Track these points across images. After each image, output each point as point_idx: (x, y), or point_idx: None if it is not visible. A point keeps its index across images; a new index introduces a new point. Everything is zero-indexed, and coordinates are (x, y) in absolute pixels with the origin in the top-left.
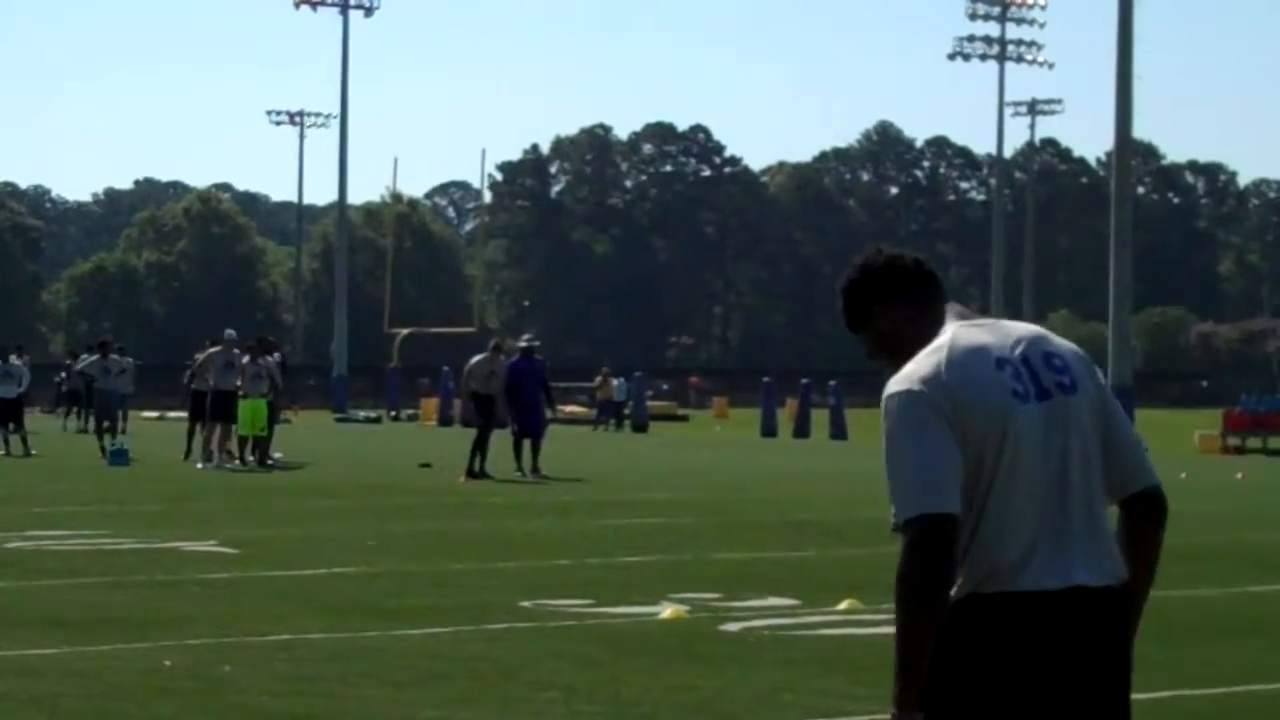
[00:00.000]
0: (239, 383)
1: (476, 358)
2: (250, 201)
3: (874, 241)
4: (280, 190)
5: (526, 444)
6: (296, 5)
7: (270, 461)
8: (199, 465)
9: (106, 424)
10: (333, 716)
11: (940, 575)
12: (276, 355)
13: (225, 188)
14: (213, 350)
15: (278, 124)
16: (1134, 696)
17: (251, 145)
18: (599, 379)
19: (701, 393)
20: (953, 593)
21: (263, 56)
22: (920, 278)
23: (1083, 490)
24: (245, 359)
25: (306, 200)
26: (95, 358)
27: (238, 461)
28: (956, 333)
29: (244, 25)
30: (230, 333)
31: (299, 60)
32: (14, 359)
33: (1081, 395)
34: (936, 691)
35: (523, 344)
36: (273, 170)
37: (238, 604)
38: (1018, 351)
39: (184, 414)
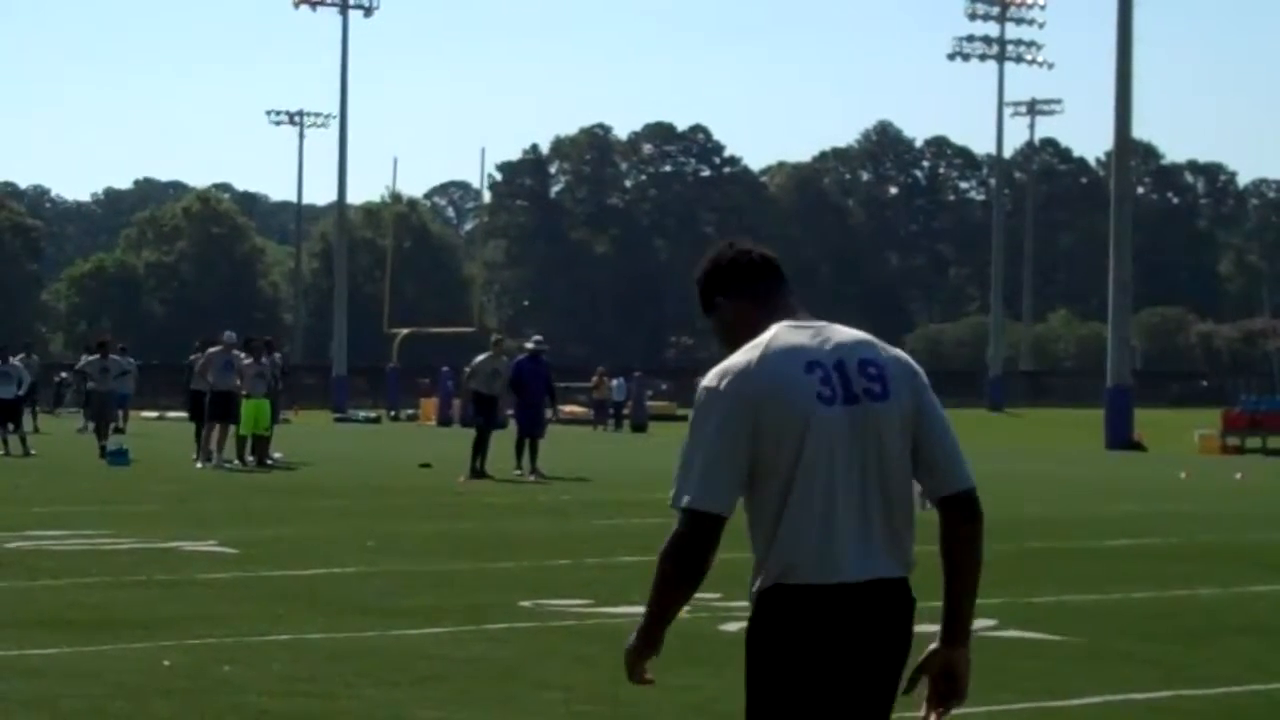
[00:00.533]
0: (239, 382)
1: (479, 357)
2: (250, 201)
3: (871, 242)
4: (280, 190)
5: (526, 443)
6: (296, 5)
7: (270, 461)
8: (198, 465)
9: (112, 425)
10: (332, 716)
11: (695, 565)
12: (276, 355)
13: (225, 188)
14: (212, 350)
15: (277, 124)
16: (1133, 696)
17: (251, 145)
18: (595, 379)
19: None
20: (757, 584)
21: (262, 56)
22: (762, 274)
23: (882, 489)
24: (248, 359)
25: (306, 200)
26: (94, 358)
27: (237, 461)
28: (777, 333)
29: (243, 25)
30: (229, 334)
31: (298, 60)
32: (14, 360)
33: (892, 402)
34: (749, 678)
35: (530, 345)
36: (272, 170)
37: (237, 604)
38: (833, 357)
39: (184, 414)
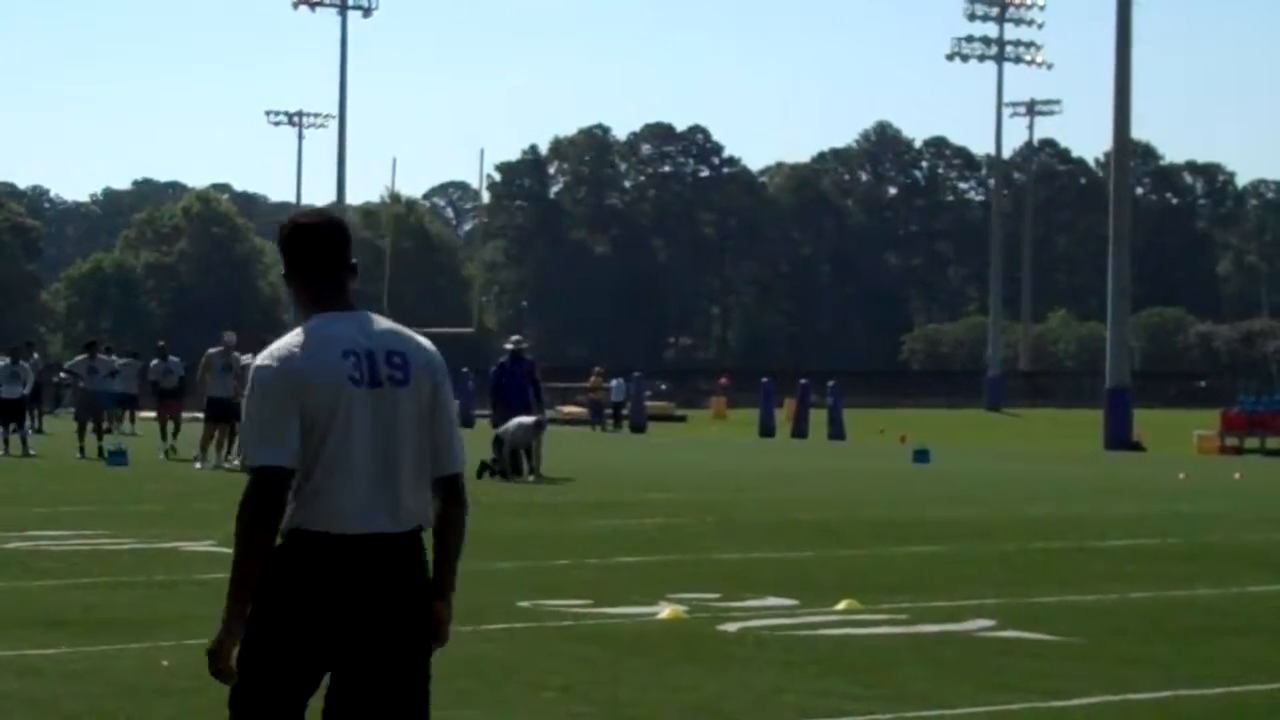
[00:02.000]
0: (235, 384)
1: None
2: (249, 202)
3: (871, 242)
4: (279, 190)
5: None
6: (295, 6)
7: None
8: (197, 465)
9: (105, 425)
10: None
11: (269, 510)
12: None
13: (224, 188)
14: (212, 352)
15: (276, 124)
16: (1133, 696)
17: (250, 146)
18: (591, 379)
19: (729, 393)
20: (283, 524)
21: (261, 57)
22: (318, 263)
23: (397, 458)
24: (249, 359)
25: (305, 200)
26: (83, 357)
27: (236, 462)
28: (322, 319)
29: (242, 26)
30: (229, 335)
31: (297, 61)
32: (22, 361)
33: (410, 388)
34: (257, 601)
35: (509, 346)
36: (271, 170)
37: None
38: (366, 347)
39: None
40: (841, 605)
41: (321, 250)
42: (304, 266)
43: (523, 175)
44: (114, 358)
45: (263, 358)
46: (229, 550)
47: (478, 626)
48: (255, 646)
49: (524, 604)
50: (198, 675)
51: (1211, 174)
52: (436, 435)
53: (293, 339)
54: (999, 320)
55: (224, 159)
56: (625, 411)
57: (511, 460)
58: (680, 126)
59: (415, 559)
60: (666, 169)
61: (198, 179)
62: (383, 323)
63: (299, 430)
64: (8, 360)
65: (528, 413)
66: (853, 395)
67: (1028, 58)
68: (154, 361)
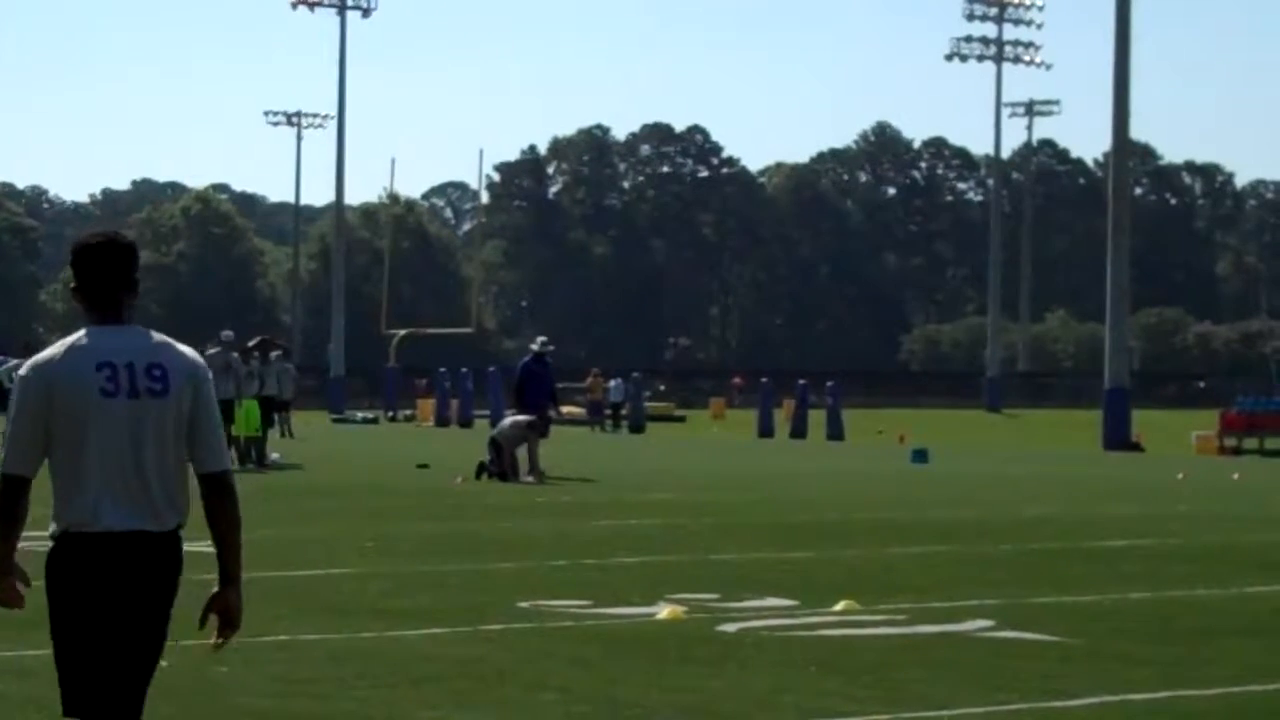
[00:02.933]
0: (233, 386)
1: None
2: (248, 202)
3: (869, 242)
4: (278, 191)
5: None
6: (294, 6)
7: (267, 462)
8: None
9: None
10: (329, 717)
11: (10, 514)
12: (275, 355)
13: (223, 188)
14: (211, 352)
15: (275, 124)
16: (1132, 697)
17: (249, 146)
18: (589, 379)
19: (743, 393)
20: (51, 529)
21: (260, 57)
22: (95, 278)
23: (154, 464)
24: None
25: (304, 201)
26: None
27: (236, 463)
28: (85, 333)
29: (241, 26)
30: (228, 334)
31: (296, 61)
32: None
33: (169, 399)
34: (49, 603)
35: (535, 346)
36: (270, 171)
37: None
38: (125, 359)
39: None
40: (840, 606)
41: (100, 269)
42: (83, 283)
43: (522, 175)
44: None
45: (24, 367)
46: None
47: (477, 627)
48: (60, 638)
49: (523, 605)
50: (195, 676)
51: (1210, 174)
52: (199, 439)
53: (54, 350)
54: (998, 321)
55: (223, 159)
56: (624, 412)
57: (511, 460)
58: (679, 127)
59: (174, 556)
60: (665, 169)
61: (197, 179)
62: (152, 337)
63: (43, 440)
64: (12, 362)
65: (545, 413)
66: (851, 396)
67: (1026, 58)
68: None
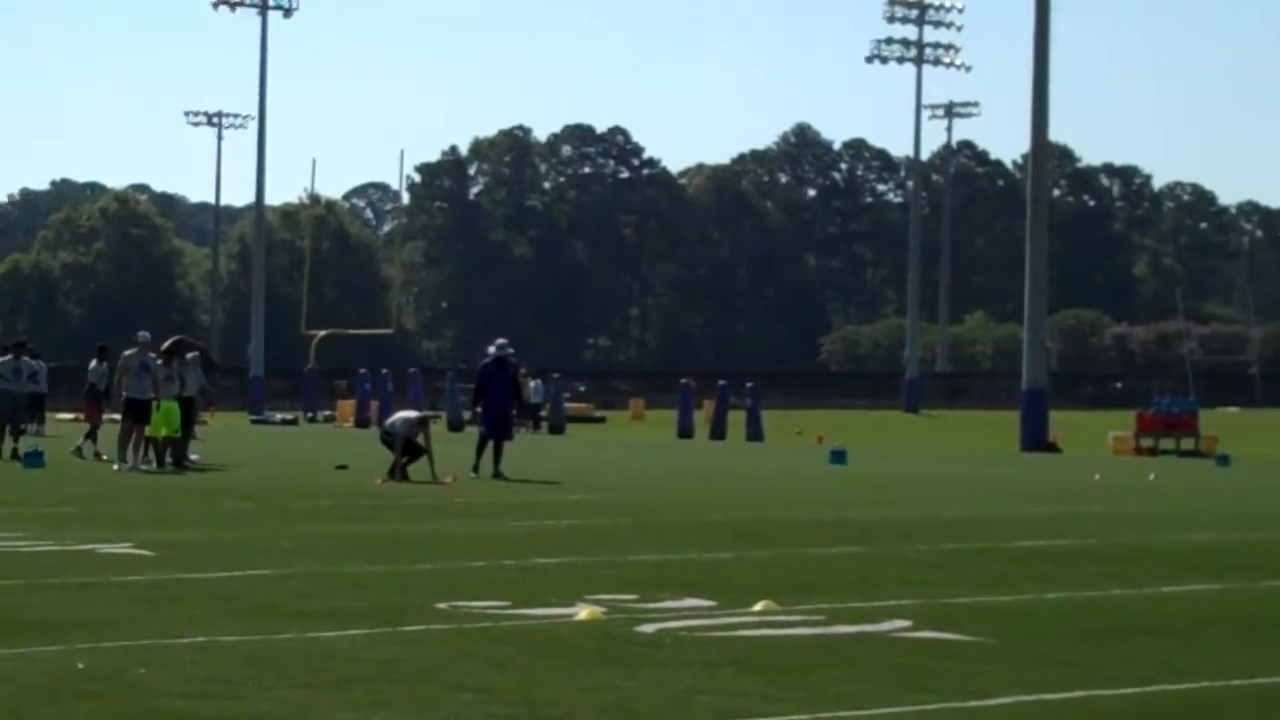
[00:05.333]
0: (148, 384)
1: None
2: (168, 202)
3: (790, 243)
4: (198, 191)
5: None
6: (215, 5)
7: (186, 464)
8: (115, 467)
9: (24, 426)
10: (247, 719)
11: None
12: (191, 356)
13: (142, 189)
14: (128, 353)
15: (196, 125)
16: (1047, 696)
17: (169, 146)
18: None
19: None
20: None
21: (181, 57)
22: None
23: None
24: (158, 362)
25: (224, 201)
26: (7, 358)
27: (155, 464)
28: None
29: (162, 25)
30: (144, 334)
31: (217, 61)
32: None
33: None
34: None
35: (494, 349)
36: (190, 171)
37: (153, 606)
38: None
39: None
40: (759, 606)
41: None
42: None
43: (442, 176)
44: (35, 361)
45: None
46: (146, 552)
47: (395, 628)
48: None
49: (441, 606)
50: (112, 678)
51: (1128, 176)
52: None
53: None
54: (916, 322)
55: (143, 159)
56: (544, 413)
57: (406, 447)
58: (600, 128)
59: None
60: (586, 170)
61: (116, 179)
62: None
63: None
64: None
65: (508, 415)
66: (771, 396)
67: (946, 60)
68: (93, 363)
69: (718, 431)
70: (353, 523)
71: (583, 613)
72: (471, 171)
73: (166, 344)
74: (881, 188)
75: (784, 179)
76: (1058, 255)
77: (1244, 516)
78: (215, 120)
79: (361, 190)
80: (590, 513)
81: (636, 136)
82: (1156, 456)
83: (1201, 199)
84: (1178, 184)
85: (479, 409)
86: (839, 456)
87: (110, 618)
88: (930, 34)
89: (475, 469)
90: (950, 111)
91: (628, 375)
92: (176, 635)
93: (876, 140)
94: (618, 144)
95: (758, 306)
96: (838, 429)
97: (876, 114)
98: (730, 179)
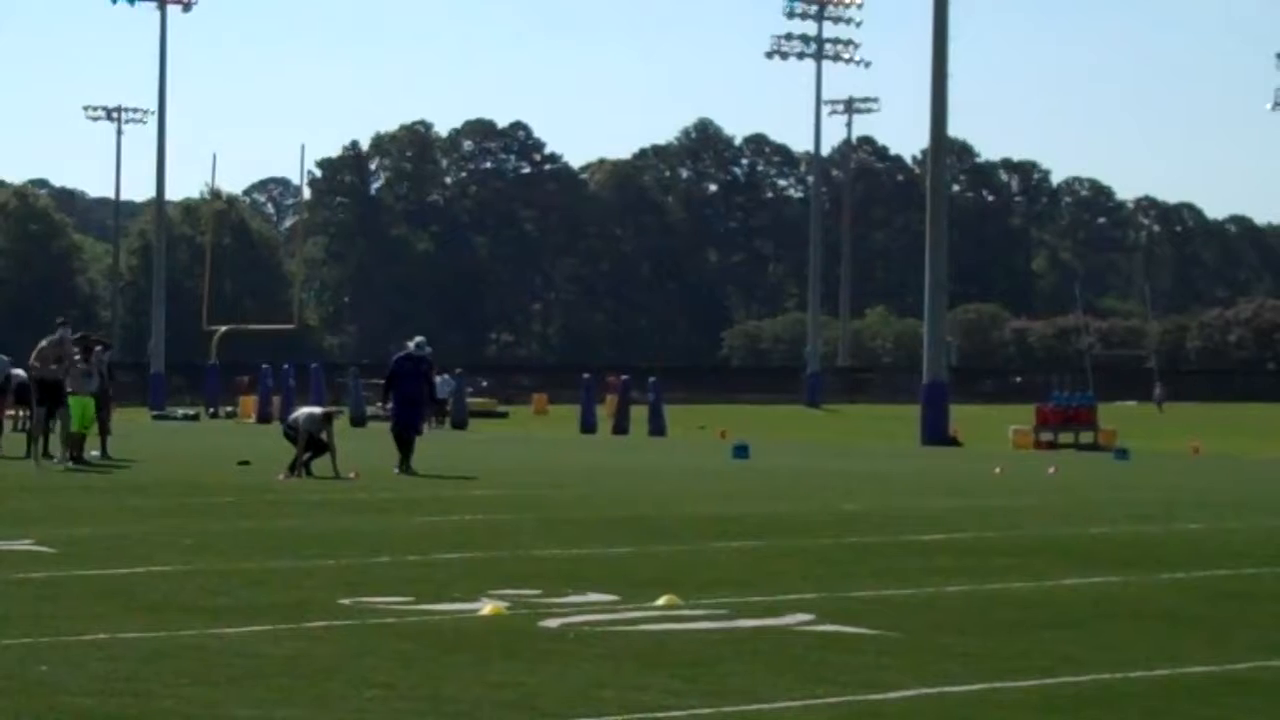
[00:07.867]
0: (54, 367)
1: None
2: (67, 198)
3: (691, 239)
4: (97, 186)
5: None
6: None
7: (86, 460)
8: (60, 466)
9: None
10: (149, 716)
11: None
12: (99, 350)
13: (41, 184)
14: (43, 345)
15: (95, 119)
16: (949, 689)
17: (68, 141)
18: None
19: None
20: None
21: (79, 51)
22: None
23: None
24: (76, 356)
25: (124, 196)
26: None
27: (56, 459)
28: None
29: (60, 19)
30: (62, 322)
31: (116, 55)
32: None
33: None
34: None
35: (411, 345)
36: (90, 166)
37: (54, 603)
38: None
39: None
40: (662, 601)
41: None
42: None
43: (344, 171)
44: None
45: None
46: (47, 549)
47: (298, 624)
48: None
49: (345, 601)
50: (13, 675)
51: (1027, 171)
52: None
53: None
54: (818, 317)
55: (41, 155)
56: (447, 408)
57: (309, 443)
58: (502, 123)
59: None
60: (488, 165)
61: (14, 175)
62: None
63: None
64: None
65: (418, 410)
66: (673, 391)
67: (846, 56)
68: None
69: (620, 427)
70: (255, 519)
71: (486, 608)
72: (373, 166)
73: (75, 337)
74: (782, 183)
75: (685, 174)
76: (957, 250)
77: (1142, 510)
78: (115, 115)
79: (262, 185)
80: (494, 508)
81: (538, 131)
82: (1056, 450)
83: (1099, 194)
84: (1076, 179)
85: (388, 404)
86: (741, 451)
87: (11, 615)
88: (830, 29)
89: (401, 466)
90: (850, 107)
91: (530, 370)
92: (78, 632)
93: (777, 136)
94: (519, 139)
95: (659, 301)
96: (740, 424)
97: (777, 109)
98: (631, 174)
